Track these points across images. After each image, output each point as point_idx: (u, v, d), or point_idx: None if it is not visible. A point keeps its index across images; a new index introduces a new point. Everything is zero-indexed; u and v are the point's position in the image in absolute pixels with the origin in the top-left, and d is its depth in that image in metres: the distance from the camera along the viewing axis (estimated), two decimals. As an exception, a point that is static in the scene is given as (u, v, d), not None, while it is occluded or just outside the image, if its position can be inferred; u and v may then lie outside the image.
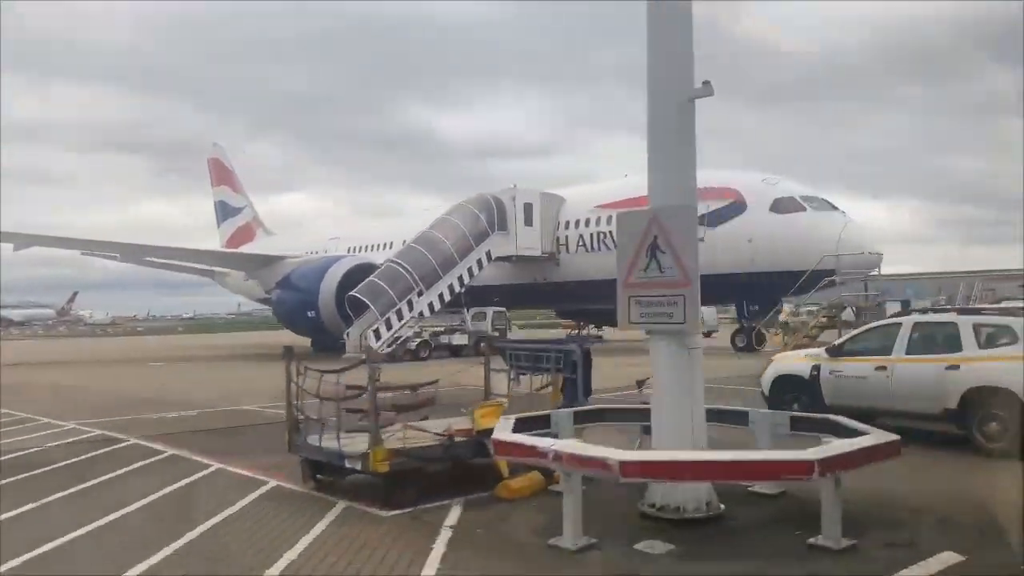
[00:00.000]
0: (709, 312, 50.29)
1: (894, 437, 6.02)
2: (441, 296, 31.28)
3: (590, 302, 39.25)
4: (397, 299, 30.02)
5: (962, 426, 9.56)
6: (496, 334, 33.59)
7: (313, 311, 32.82)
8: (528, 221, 33.90)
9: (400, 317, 30.21)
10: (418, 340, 30.96)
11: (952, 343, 9.83)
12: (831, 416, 6.95)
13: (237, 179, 58.61)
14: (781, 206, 29.46)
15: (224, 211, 58.57)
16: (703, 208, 31.01)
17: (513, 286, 37.23)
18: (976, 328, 9.74)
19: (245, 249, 52.21)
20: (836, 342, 11.15)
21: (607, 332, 48.37)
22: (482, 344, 33.68)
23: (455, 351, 32.28)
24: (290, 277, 35.27)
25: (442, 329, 33.07)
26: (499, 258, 34.11)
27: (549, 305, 43.96)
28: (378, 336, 29.52)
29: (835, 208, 29.72)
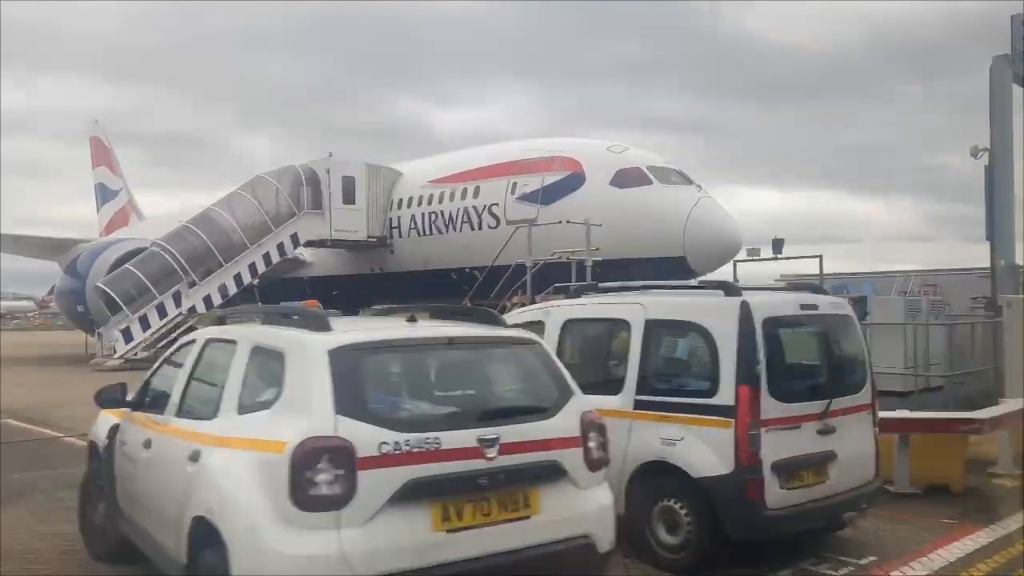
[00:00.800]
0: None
1: None
2: (223, 288, 25.89)
3: (427, 297, 33.78)
4: (157, 292, 24.68)
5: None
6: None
7: (82, 305, 27.46)
8: (349, 198, 28.37)
9: (164, 314, 24.88)
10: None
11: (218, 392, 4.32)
12: None
13: (116, 160, 53.40)
14: (624, 179, 23.87)
15: (104, 194, 53.31)
16: (537, 181, 25.52)
17: (349, 277, 31.80)
18: (254, 355, 4.29)
19: (115, 236, 47.06)
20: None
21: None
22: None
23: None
24: (74, 264, 29.93)
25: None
26: (311, 243, 28.75)
27: (387, 300, 38.31)
28: (129, 337, 24.20)
29: (690, 182, 24.10)
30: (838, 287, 51.71)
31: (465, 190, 27.15)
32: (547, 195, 24.75)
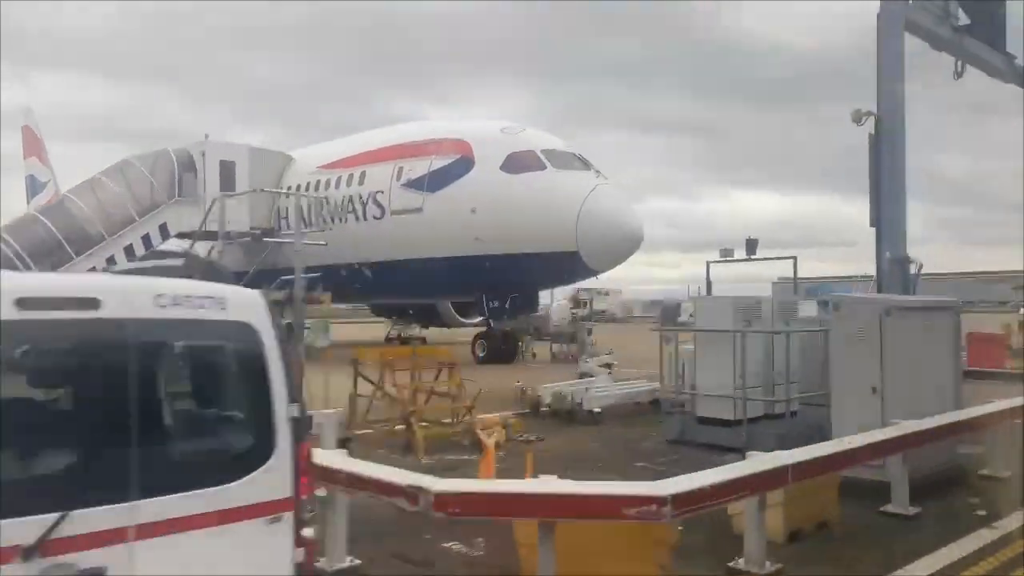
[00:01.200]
0: (559, 310, 41.75)
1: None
2: (75, 284, 23.09)
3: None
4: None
5: None
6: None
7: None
8: (228, 185, 25.54)
9: None
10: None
11: None
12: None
13: (45, 151, 50.67)
14: (516, 163, 21.13)
15: (33, 186, 50.34)
16: (424, 166, 22.74)
17: (243, 275, 28.93)
18: None
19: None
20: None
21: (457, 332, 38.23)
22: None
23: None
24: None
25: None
26: (184, 235, 25.90)
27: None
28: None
29: (588, 167, 21.27)
30: (812, 289, 48.99)
31: (351, 176, 24.44)
32: (433, 181, 22.01)
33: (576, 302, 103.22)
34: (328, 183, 25.05)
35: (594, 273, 21.13)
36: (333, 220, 24.57)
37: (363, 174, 23.91)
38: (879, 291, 11.60)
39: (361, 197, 23.66)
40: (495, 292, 22.27)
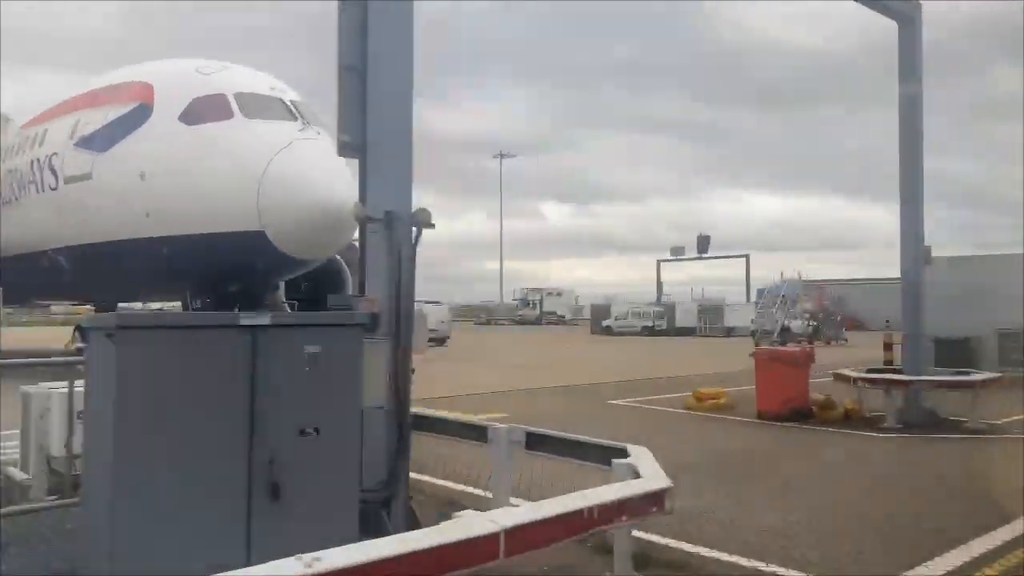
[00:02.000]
0: (436, 311, 35.85)
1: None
2: None
3: (36, 291, 25.26)
4: None
5: None
6: None
7: None
8: (-95, 150, 20.08)
9: None
10: None
11: None
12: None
13: None
14: (198, 111, 15.48)
15: None
16: (100, 118, 17.08)
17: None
18: None
19: None
20: None
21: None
22: None
23: None
24: None
25: None
26: None
27: (15, 299, 29.21)
28: None
29: (295, 117, 15.52)
30: (770, 290, 42.66)
31: (36, 135, 18.89)
32: (105, 138, 16.40)
33: (526, 302, 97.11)
34: (20, 146, 19.54)
35: (298, 263, 15.40)
36: (21, 193, 19.05)
37: (45, 132, 18.38)
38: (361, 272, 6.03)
39: (39, 162, 18.13)
40: (199, 289, 16.69)
